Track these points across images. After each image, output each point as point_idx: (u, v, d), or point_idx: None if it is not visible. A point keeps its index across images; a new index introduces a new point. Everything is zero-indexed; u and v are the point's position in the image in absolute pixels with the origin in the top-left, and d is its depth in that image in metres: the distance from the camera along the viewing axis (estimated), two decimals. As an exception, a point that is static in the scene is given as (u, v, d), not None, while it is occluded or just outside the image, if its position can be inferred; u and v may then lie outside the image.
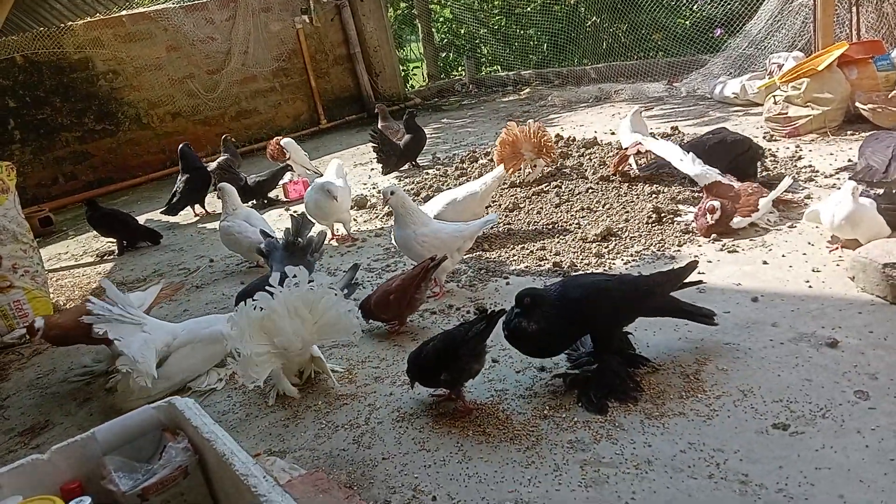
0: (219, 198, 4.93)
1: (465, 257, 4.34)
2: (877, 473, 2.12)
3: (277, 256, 3.87)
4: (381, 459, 2.60)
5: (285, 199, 6.72)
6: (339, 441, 2.76)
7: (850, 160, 4.72)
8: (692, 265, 3.00)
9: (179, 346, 3.37)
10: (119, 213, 6.26)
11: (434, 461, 2.54)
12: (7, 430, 3.34)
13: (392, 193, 3.88)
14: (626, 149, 5.21)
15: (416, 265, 3.53)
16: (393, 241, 4.14)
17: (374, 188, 6.49)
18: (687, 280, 2.98)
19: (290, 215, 4.46)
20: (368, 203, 5.98)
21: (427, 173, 6.53)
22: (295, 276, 3.00)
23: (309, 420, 2.94)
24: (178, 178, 6.68)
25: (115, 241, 6.18)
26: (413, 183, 6.24)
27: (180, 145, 6.79)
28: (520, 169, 5.60)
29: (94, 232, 6.39)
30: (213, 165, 6.92)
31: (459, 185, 5.42)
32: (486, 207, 5.07)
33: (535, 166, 5.55)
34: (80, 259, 6.20)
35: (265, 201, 6.66)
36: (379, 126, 7.27)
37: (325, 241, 4.40)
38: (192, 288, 4.81)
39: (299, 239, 3.96)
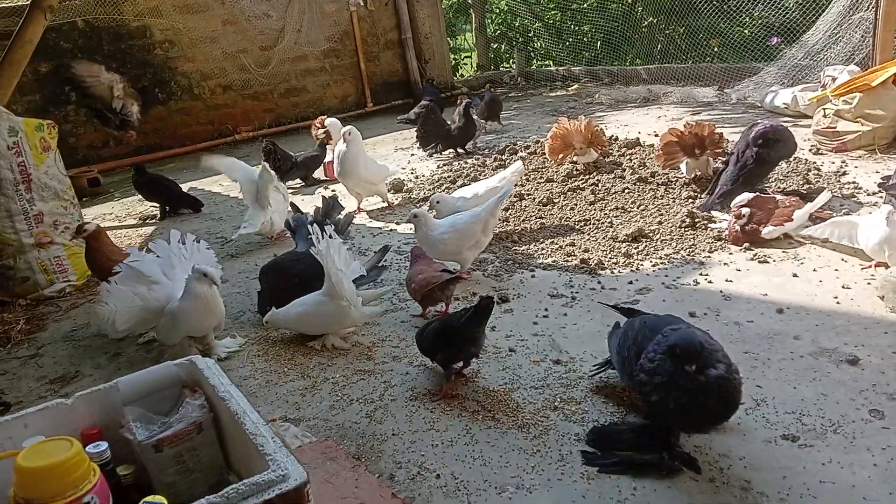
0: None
1: (492, 248, 4.37)
2: (882, 493, 2.10)
3: (303, 233, 3.95)
4: (391, 435, 2.66)
5: (325, 178, 6.81)
6: (352, 414, 2.83)
7: (883, 179, 4.60)
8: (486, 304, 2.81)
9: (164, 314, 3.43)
10: (164, 178, 6.44)
11: (442, 441, 2.59)
12: (40, 378, 3.50)
13: (415, 217, 3.93)
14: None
15: (436, 272, 3.51)
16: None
17: (412, 173, 6.54)
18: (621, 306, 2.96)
19: (322, 196, 4.54)
20: (405, 187, 6.04)
21: (465, 162, 6.56)
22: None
23: (326, 392, 3.02)
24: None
25: (158, 205, 6.36)
26: (451, 171, 6.27)
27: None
28: (568, 159, 5.61)
29: (139, 196, 6.58)
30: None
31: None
32: (516, 200, 5.11)
33: (584, 154, 5.55)
34: (123, 221, 6.39)
35: (310, 178, 6.78)
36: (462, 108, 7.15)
37: (352, 220, 4.48)
38: (227, 257, 4.93)
39: (327, 220, 4.03)
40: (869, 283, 3.39)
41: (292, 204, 4.75)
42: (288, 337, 3.56)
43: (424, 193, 5.77)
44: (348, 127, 5.38)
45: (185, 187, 6.83)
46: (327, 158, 6.96)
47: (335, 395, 2.98)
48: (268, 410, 2.88)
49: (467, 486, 2.33)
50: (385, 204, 5.62)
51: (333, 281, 3.25)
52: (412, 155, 7.34)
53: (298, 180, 6.74)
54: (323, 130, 7.04)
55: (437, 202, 4.28)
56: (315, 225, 3.48)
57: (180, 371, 2.27)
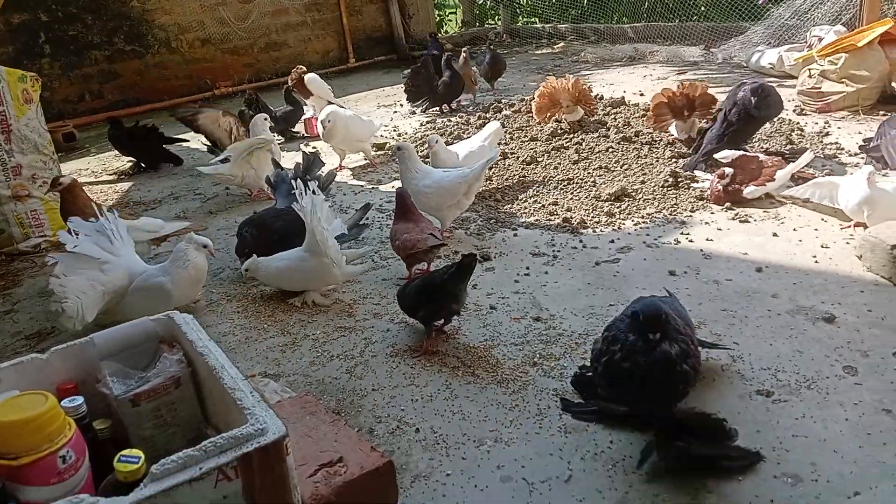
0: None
1: (475, 206, 4.35)
2: (852, 446, 2.15)
3: (284, 190, 3.90)
4: (371, 390, 2.67)
5: (307, 135, 6.72)
6: (332, 370, 2.83)
7: (865, 140, 4.62)
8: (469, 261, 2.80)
9: (127, 294, 3.20)
10: (142, 129, 6.22)
11: (422, 396, 2.60)
12: (15, 333, 3.46)
13: (399, 149, 3.94)
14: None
15: (421, 234, 3.42)
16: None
17: (394, 130, 6.46)
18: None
19: (302, 152, 4.48)
20: (388, 145, 5.97)
21: (449, 120, 6.48)
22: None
23: (306, 348, 3.02)
24: None
25: (135, 161, 6.25)
26: (434, 128, 6.20)
27: None
28: (556, 119, 5.56)
29: (115, 151, 6.46)
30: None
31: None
32: (500, 159, 5.08)
33: (572, 112, 5.50)
34: (98, 176, 6.28)
35: (288, 133, 6.68)
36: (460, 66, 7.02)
37: (334, 177, 4.42)
38: (206, 213, 4.87)
39: (308, 176, 3.97)
40: (848, 243, 3.42)
41: (273, 160, 4.69)
42: (268, 293, 3.54)
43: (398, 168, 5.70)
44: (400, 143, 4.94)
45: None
46: (308, 114, 6.86)
47: (315, 352, 2.98)
48: (247, 366, 2.88)
49: (446, 439, 2.35)
50: (368, 161, 5.56)
51: (318, 238, 3.22)
52: (395, 112, 7.25)
53: (278, 136, 6.63)
54: (294, 77, 6.89)
55: (436, 142, 4.16)
56: (299, 181, 3.43)
57: (157, 326, 2.25)
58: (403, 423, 2.45)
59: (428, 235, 3.37)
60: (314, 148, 5.72)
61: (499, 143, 5.16)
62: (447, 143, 5.44)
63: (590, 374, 2.46)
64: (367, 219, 4.13)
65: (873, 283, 3.06)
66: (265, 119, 5.14)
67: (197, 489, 1.51)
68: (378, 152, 5.79)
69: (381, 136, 6.16)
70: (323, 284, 3.43)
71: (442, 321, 2.97)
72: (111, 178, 6.17)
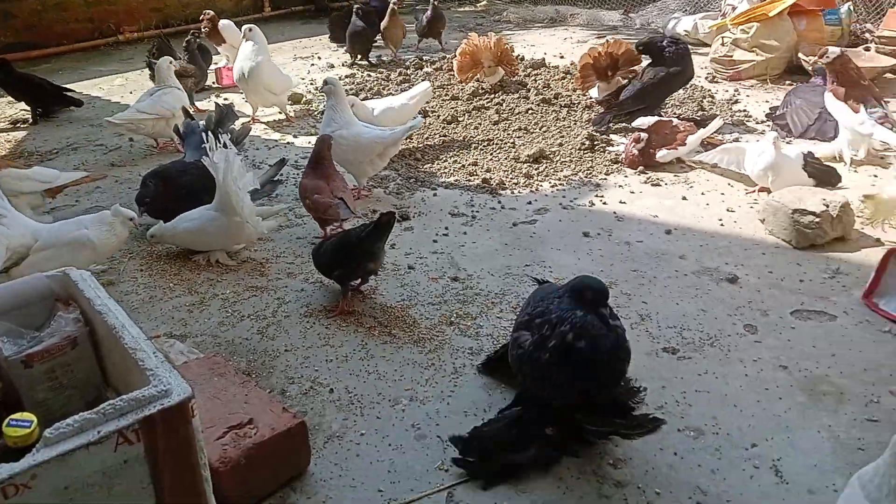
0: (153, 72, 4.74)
1: (395, 165, 4.29)
2: (750, 401, 2.26)
3: (194, 142, 3.71)
4: (284, 351, 2.61)
5: (218, 85, 6.41)
6: (242, 330, 2.75)
7: (771, 108, 4.82)
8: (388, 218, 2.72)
9: (41, 248, 2.95)
10: (35, 77, 5.83)
11: (336, 356, 2.56)
12: None
13: (326, 84, 3.82)
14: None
15: (332, 198, 3.27)
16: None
17: (311, 84, 6.26)
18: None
19: (215, 103, 4.27)
20: (304, 99, 5.78)
21: (369, 76, 6.33)
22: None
23: (215, 308, 2.91)
24: None
25: (30, 108, 5.80)
26: (353, 84, 6.05)
27: None
28: (477, 78, 5.51)
29: (9, 97, 5.98)
30: None
31: (401, 91, 5.30)
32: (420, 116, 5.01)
33: (493, 74, 5.46)
34: (-10, 124, 5.82)
35: (200, 84, 6.34)
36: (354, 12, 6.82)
37: (249, 131, 4.25)
38: (108, 165, 4.60)
39: (220, 130, 3.79)
40: (752, 207, 3.57)
41: (184, 108, 4.44)
42: (174, 252, 3.38)
43: (324, 106, 5.53)
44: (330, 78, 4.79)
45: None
46: (221, 63, 6.55)
47: (225, 312, 2.88)
48: (151, 327, 2.75)
49: (361, 399, 2.33)
50: (283, 116, 5.37)
51: (231, 199, 3.09)
52: (312, 65, 7.02)
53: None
54: (205, 23, 6.55)
55: (333, 86, 3.88)
56: (211, 134, 3.26)
57: (52, 284, 2.11)
58: (317, 384, 2.41)
59: (339, 201, 3.23)
60: (227, 99, 5.48)
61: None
62: (365, 99, 5.34)
63: (482, 432, 2.09)
64: (282, 175, 4.00)
65: (774, 246, 3.21)
66: (170, 63, 4.84)
67: (95, 454, 1.43)
68: (294, 106, 5.60)
69: (298, 90, 5.95)
70: (233, 243, 3.31)
71: (358, 281, 2.92)
72: (4, 126, 5.73)
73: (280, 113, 5.38)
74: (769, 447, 2.06)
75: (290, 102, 5.54)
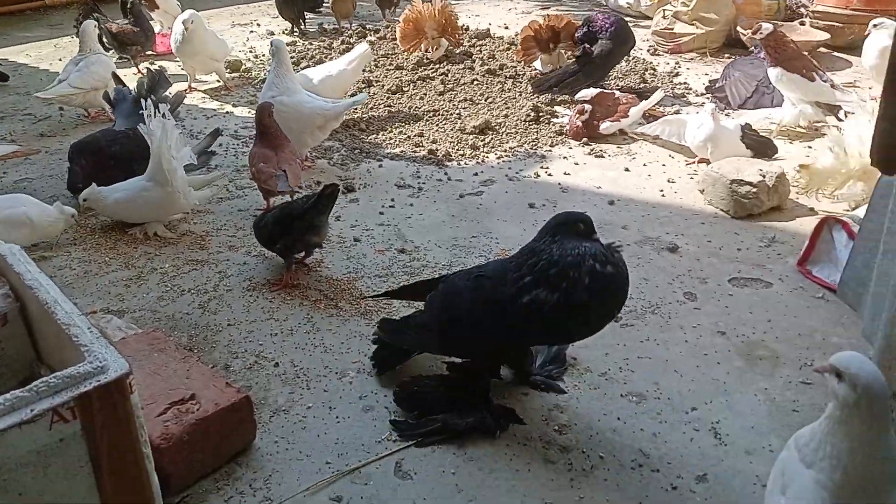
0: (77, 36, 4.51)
1: (339, 136, 4.21)
2: (690, 366, 2.32)
3: (125, 109, 3.56)
4: (227, 325, 2.55)
5: (152, 52, 6.16)
6: (183, 305, 2.67)
7: (710, 81, 4.92)
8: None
9: None
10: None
11: (281, 330, 2.52)
12: None
13: (272, 45, 3.72)
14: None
15: (275, 170, 3.16)
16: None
17: (251, 52, 6.08)
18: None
19: (147, 69, 4.09)
20: (243, 67, 5.61)
21: (311, 44, 6.17)
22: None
23: (153, 282, 2.82)
24: None
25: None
26: (294, 51, 5.89)
27: None
28: (420, 49, 5.43)
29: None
30: None
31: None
32: (364, 86, 4.94)
33: (437, 47, 5.39)
34: None
35: (134, 51, 6.07)
36: None
37: (183, 99, 4.08)
38: (37, 135, 4.39)
39: (152, 96, 3.63)
40: (692, 178, 3.65)
41: (114, 74, 4.25)
42: (109, 225, 3.26)
43: (264, 74, 5.39)
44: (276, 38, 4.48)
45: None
46: (155, 30, 6.27)
47: (164, 286, 2.79)
48: (87, 302, 2.65)
49: (307, 372, 2.30)
50: (222, 84, 5.20)
51: (165, 167, 2.98)
52: (251, 32, 6.81)
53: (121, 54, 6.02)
54: None
55: (277, 48, 3.75)
56: (149, 101, 3.12)
57: (-24, 258, 2.01)
58: (262, 358, 2.37)
59: (281, 173, 3.12)
60: (159, 66, 5.27)
61: (364, 70, 5.00)
62: (306, 66, 5.21)
63: (415, 390, 2.15)
64: (220, 145, 3.88)
65: (713, 216, 3.29)
66: (95, 27, 4.61)
67: (28, 433, 1.38)
68: (233, 74, 5.43)
69: (237, 57, 5.77)
70: (168, 215, 3.20)
71: (303, 254, 2.87)
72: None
73: (218, 81, 5.21)
74: (708, 410, 2.13)
75: (228, 70, 5.37)
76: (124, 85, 3.99)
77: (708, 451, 1.98)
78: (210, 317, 2.60)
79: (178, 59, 5.22)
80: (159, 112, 2.99)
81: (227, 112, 4.76)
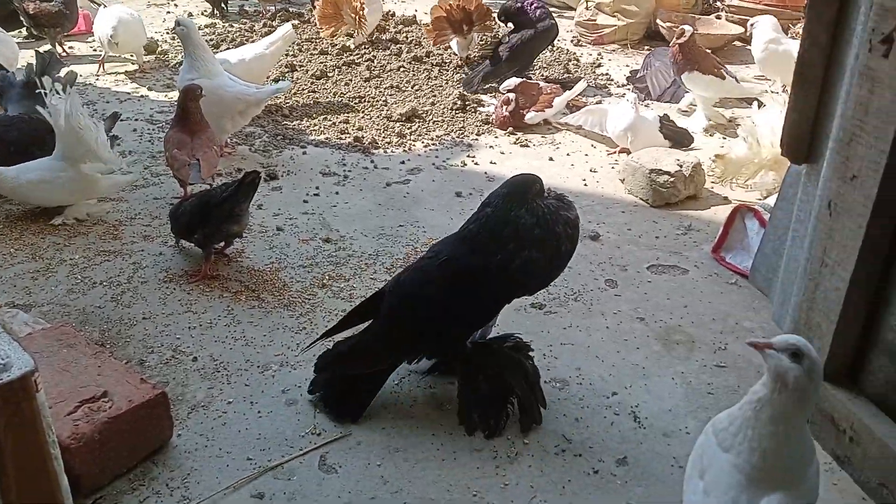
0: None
1: (261, 121, 4.11)
2: (611, 351, 2.38)
3: (14, 96, 3.36)
4: (142, 319, 2.45)
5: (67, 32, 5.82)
6: (94, 298, 2.55)
7: (631, 72, 5.04)
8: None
9: None
10: None
11: (200, 323, 2.44)
12: None
13: (178, 25, 3.55)
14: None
15: (189, 158, 3.04)
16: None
17: (167, 33, 5.84)
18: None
19: (36, 51, 3.84)
20: (159, 49, 5.39)
21: (232, 26, 5.98)
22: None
23: (63, 274, 2.68)
24: None
25: None
26: (214, 34, 5.69)
27: None
28: (340, 32, 5.32)
29: None
30: None
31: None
32: (288, 71, 4.82)
33: (357, 31, 5.29)
34: None
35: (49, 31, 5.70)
36: None
37: (76, 78, 3.85)
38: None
39: (43, 78, 3.43)
40: (613, 168, 3.73)
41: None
42: (14, 214, 3.08)
43: (181, 57, 5.18)
44: (181, 18, 4.26)
45: None
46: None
47: (74, 278, 2.66)
48: (-10, 297, 2.50)
49: (227, 366, 2.24)
50: (137, 67, 4.97)
51: (87, 138, 2.83)
52: (168, 13, 6.54)
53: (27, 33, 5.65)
54: None
55: (185, 28, 3.60)
56: (45, 79, 2.95)
57: None
58: (179, 353, 2.29)
59: (194, 162, 3.00)
60: (49, 49, 4.97)
61: (287, 54, 4.89)
62: (227, 49, 5.04)
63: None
64: (133, 130, 3.71)
65: (632, 205, 3.37)
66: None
67: (-78, 437, 1.29)
68: (149, 56, 5.20)
69: (153, 39, 5.53)
70: (85, 197, 3.05)
71: (222, 244, 2.79)
72: None
73: (133, 63, 4.98)
74: (628, 394, 2.18)
75: (144, 52, 5.14)
76: (6, 70, 3.75)
77: (628, 435, 2.03)
78: (124, 310, 2.49)
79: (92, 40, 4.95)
80: (54, 90, 2.84)
81: (142, 96, 4.56)
